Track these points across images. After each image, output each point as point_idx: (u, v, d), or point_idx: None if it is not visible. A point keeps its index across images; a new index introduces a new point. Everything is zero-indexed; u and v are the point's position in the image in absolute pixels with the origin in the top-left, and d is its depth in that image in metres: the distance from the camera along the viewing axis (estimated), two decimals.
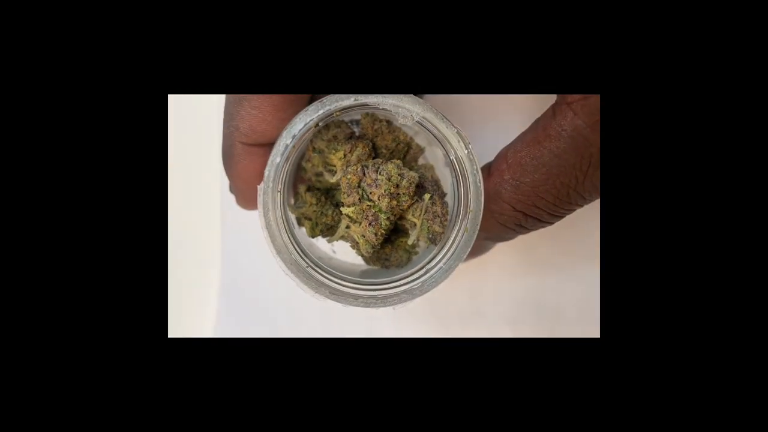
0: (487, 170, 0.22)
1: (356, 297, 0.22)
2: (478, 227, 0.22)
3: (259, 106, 0.21)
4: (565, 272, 0.33)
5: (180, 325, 0.38)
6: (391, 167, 0.22)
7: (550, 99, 0.22)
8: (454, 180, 0.23)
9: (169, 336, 0.34)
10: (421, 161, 0.26)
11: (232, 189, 0.25)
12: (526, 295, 0.33)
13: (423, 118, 0.21)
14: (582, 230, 0.32)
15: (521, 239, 0.28)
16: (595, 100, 0.20)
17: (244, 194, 0.24)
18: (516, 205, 0.21)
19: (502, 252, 0.32)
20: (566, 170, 0.20)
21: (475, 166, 0.22)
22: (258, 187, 0.21)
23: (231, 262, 0.36)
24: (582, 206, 0.22)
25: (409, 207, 0.23)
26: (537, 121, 0.21)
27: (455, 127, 0.22)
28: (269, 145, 0.23)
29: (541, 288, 0.33)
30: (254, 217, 0.32)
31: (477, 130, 0.32)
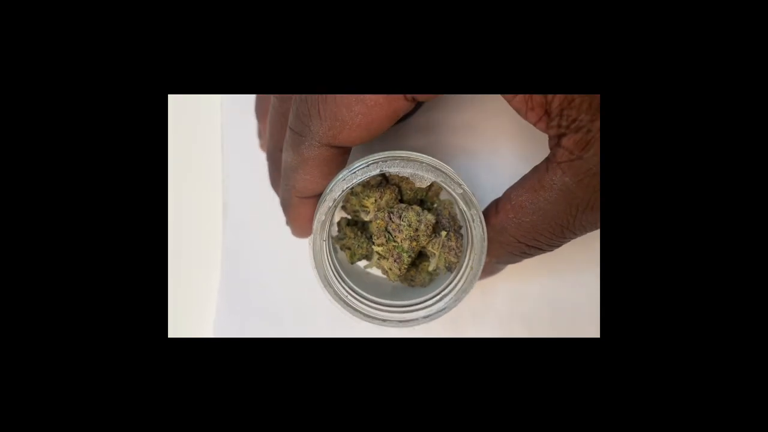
0: (495, 207, 0.27)
1: (384, 320, 0.28)
2: (482, 266, 0.27)
3: (311, 172, 0.27)
4: (580, 271, 0.36)
5: (180, 322, 0.41)
6: (412, 214, 0.28)
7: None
8: (464, 224, 0.28)
9: (170, 333, 0.36)
10: (443, 196, 0.31)
11: (289, 224, 0.31)
12: (540, 294, 0.35)
13: (434, 182, 0.26)
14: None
15: None
16: (579, 163, 0.23)
17: (301, 230, 0.30)
18: (520, 239, 0.26)
19: None
20: (558, 214, 0.25)
21: (477, 222, 0.27)
22: (308, 239, 0.27)
23: (232, 261, 0.39)
24: (576, 238, 0.27)
25: (428, 242, 0.28)
26: (535, 169, 0.25)
27: (462, 190, 0.26)
28: (317, 196, 0.28)
29: (556, 286, 0.35)
30: (255, 215, 0.37)
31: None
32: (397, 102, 0.24)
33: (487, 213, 0.27)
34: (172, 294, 0.38)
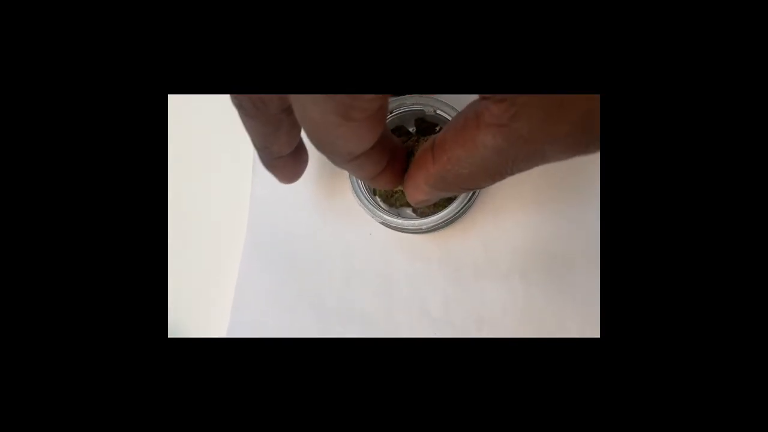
0: (432, 154, 0.25)
1: (398, 227, 0.35)
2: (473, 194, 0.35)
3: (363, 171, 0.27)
4: (575, 221, 0.39)
5: (207, 267, 0.42)
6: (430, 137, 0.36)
7: None
8: None
9: (195, 276, 0.41)
10: None
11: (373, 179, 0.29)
12: (536, 247, 0.39)
13: (437, 109, 0.35)
14: (589, 180, 0.39)
15: (532, 193, 0.39)
16: (508, 131, 0.22)
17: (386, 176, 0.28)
18: (461, 185, 0.26)
19: (514, 203, 0.40)
20: (496, 166, 0.24)
21: None
22: None
23: (258, 211, 0.43)
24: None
25: None
26: (466, 122, 0.23)
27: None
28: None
29: (550, 238, 0.39)
30: (272, 233, 0.41)
31: None
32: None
33: (423, 159, 0.26)
34: (202, 238, 0.42)
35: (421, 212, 0.38)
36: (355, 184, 0.36)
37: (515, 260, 0.40)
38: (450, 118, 0.35)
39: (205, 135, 0.44)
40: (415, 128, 0.39)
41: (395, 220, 0.35)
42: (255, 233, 0.42)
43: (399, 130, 0.38)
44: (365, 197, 0.36)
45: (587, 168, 0.40)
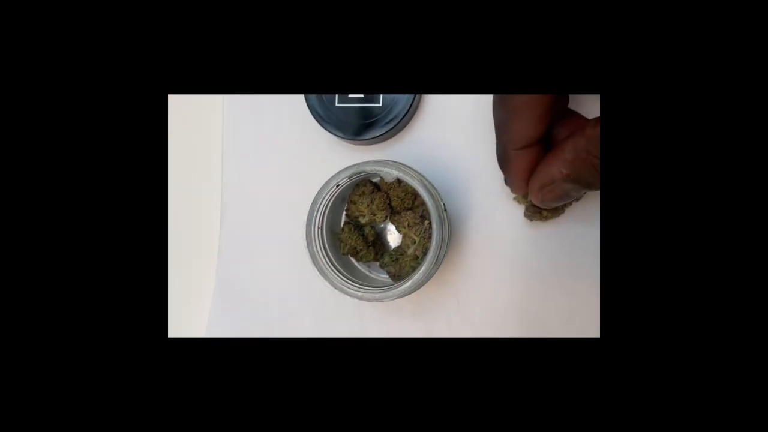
0: (594, 122, 0.27)
1: (362, 297, 0.33)
2: (442, 251, 0.32)
3: (525, 119, 0.28)
4: (551, 284, 0.37)
5: (176, 316, 0.41)
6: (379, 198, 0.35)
7: None
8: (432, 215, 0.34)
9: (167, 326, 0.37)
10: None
11: (507, 182, 0.33)
12: (510, 305, 0.37)
13: (398, 176, 0.33)
14: (570, 244, 0.37)
15: (513, 253, 0.37)
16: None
17: (519, 184, 0.32)
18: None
19: (490, 261, 0.38)
20: None
21: (436, 204, 0.32)
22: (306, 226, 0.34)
23: (227, 262, 0.41)
24: None
25: (413, 227, 0.35)
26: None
27: (423, 181, 0.33)
28: (530, 147, 0.30)
29: (525, 298, 0.37)
30: (250, 220, 0.40)
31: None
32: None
33: (584, 125, 0.27)
34: (170, 287, 0.40)
35: (394, 275, 0.36)
36: (315, 253, 0.34)
37: (487, 317, 0.38)
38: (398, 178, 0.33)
39: (180, 139, 0.41)
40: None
41: (356, 293, 0.34)
42: (223, 297, 0.41)
43: (365, 185, 0.36)
44: (327, 266, 0.34)
45: (569, 236, 0.37)
